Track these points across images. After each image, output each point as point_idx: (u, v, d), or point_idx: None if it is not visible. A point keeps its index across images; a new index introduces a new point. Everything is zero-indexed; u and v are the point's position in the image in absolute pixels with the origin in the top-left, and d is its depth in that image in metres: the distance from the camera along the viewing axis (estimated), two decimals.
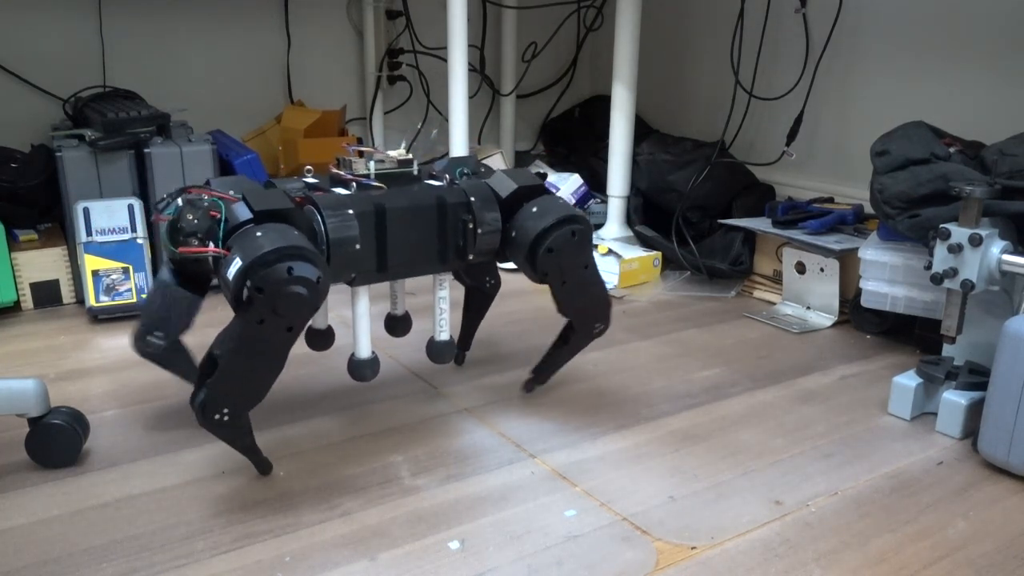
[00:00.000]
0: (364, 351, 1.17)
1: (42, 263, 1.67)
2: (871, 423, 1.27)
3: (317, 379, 1.38)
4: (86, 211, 1.59)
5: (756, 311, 1.76)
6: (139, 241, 1.62)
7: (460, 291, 1.42)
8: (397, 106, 2.43)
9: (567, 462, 1.14)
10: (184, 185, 1.05)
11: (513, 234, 1.17)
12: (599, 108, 2.48)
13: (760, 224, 1.83)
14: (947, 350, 1.32)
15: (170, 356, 1.14)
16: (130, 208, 1.62)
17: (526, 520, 1.00)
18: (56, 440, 1.09)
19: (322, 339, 1.28)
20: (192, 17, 2.09)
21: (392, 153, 1.17)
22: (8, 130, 1.89)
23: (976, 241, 1.18)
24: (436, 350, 1.25)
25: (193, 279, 1.12)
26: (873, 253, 1.49)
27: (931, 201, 1.33)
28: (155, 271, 1.69)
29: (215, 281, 1.08)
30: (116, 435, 1.19)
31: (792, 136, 2.00)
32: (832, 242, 1.67)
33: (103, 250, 1.60)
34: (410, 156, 1.18)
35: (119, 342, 1.53)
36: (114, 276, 1.61)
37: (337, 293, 1.21)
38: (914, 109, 1.80)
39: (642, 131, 2.26)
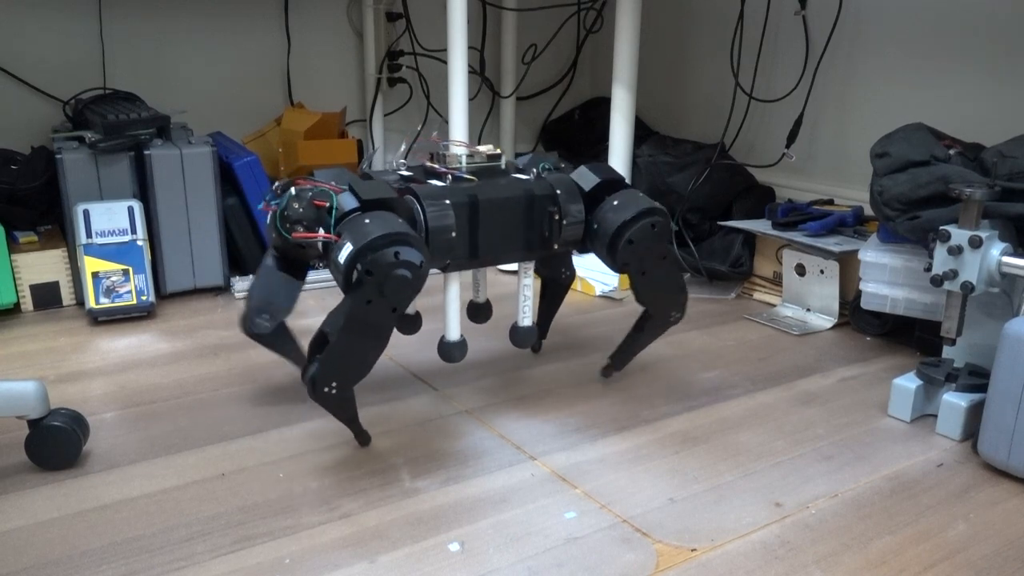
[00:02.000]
0: (453, 334, 1.23)
1: (42, 265, 1.67)
2: (871, 425, 1.27)
3: None
4: (86, 213, 1.59)
5: (756, 313, 1.76)
6: (139, 243, 1.62)
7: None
8: (397, 108, 2.44)
9: (567, 464, 1.14)
10: (288, 179, 1.13)
11: (595, 226, 1.23)
12: (599, 110, 2.48)
13: (760, 226, 1.83)
14: (947, 352, 1.31)
15: (276, 337, 1.22)
16: (130, 210, 1.62)
17: (526, 522, 1.00)
18: (56, 442, 1.09)
19: (410, 324, 1.34)
20: (192, 19, 2.09)
21: (481, 148, 1.24)
22: (8, 132, 1.89)
23: (976, 243, 1.18)
24: (519, 335, 1.30)
25: (295, 264, 1.20)
26: (873, 255, 1.49)
27: (931, 203, 1.33)
28: (155, 273, 1.69)
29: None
30: (116, 437, 1.19)
31: (792, 138, 2.00)
32: (832, 244, 1.67)
33: (103, 252, 1.60)
34: (499, 151, 1.25)
35: (119, 344, 1.53)
36: (114, 278, 1.61)
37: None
38: (914, 111, 1.80)
39: (642, 133, 2.26)
